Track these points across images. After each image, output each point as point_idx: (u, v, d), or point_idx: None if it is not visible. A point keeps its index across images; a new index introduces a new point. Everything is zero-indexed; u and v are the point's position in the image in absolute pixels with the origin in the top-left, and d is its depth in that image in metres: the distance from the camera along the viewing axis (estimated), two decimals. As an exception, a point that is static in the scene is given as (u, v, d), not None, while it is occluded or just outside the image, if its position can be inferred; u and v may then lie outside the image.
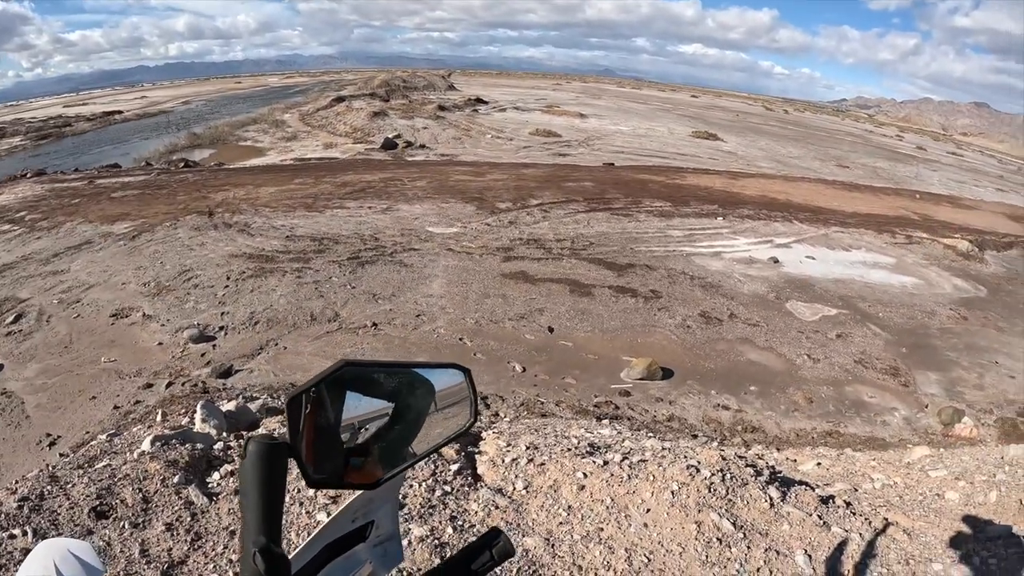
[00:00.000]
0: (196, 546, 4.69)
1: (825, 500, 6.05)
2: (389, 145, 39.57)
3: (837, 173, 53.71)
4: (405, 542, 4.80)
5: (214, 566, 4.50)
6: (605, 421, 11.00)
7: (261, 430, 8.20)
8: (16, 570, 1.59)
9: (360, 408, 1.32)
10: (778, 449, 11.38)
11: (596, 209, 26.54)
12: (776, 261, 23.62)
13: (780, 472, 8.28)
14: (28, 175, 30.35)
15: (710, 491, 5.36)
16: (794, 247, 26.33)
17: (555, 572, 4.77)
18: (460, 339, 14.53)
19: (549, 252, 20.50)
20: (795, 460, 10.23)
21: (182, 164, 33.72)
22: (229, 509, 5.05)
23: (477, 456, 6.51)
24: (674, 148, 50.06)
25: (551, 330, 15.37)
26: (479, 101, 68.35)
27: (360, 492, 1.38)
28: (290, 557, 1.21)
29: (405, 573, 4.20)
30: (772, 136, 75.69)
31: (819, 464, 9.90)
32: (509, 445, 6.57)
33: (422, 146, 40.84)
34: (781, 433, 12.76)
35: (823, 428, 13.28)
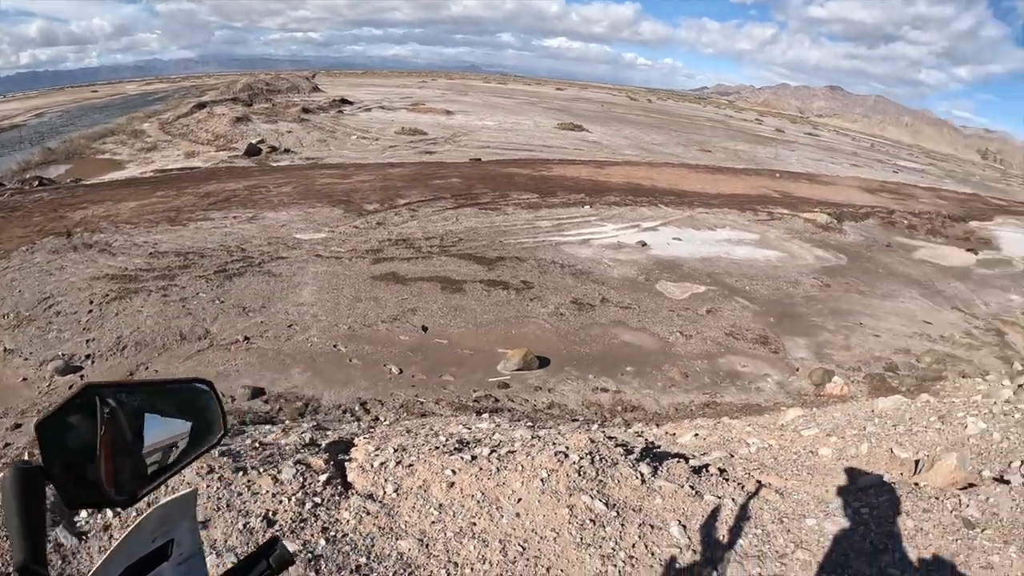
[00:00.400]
0: (70, 589, 4.33)
1: (698, 470, 6.10)
2: (253, 151, 38.37)
3: (700, 157, 55.33)
4: None
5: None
6: (485, 415, 10.90)
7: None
8: None
9: (161, 430, 1.35)
10: (658, 425, 11.48)
11: (464, 205, 26.37)
12: (644, 244, 24.10)
13: (659, 447, 8.32)
14: None
15: (580, 474, 5.33)
16: (661, 230, 26.97)
17: (431, 572, 4.64)
18: (334, 346, 14.07)
19: (419, 251, 20.21)
20: (674, 434, 10.35)
21: (36, 182, 31.42)
22: (100, 547, 4.67)
23: (347, 463, 6.26)
24: (540, 141, 50.52)
25: (425, 329, 15.11)
26: (344, 102, 67.03)
27: (151, 509, 1.36)
28: None
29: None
30: (636, 125, 77.59)
31: (697, 435, 10.02)
32: (378, 449, 6.36)
33: (287, 150, 39.77)
34: (660, 409, 12.91)
35: (700, 400, 13.53)
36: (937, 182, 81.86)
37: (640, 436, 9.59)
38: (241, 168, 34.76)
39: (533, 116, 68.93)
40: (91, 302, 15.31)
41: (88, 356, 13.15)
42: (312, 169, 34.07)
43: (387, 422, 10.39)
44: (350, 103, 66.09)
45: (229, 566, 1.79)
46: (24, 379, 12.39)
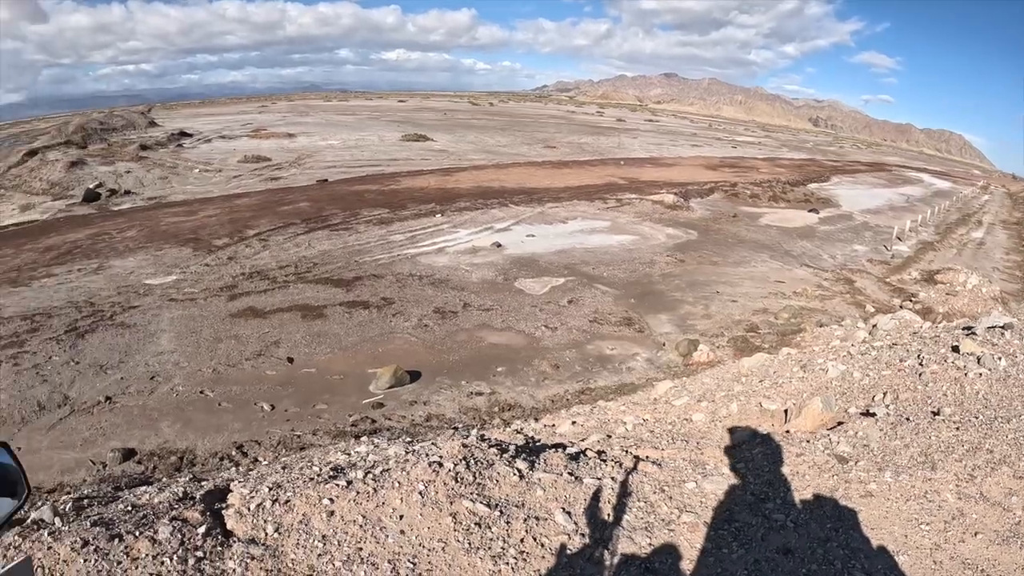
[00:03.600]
0: None
1: (575, 456, 6.11)
2: (91, 197, 36.21)
3: (545, 154, 56.16)
4: None
5: None
6: (364, 438, 10.67)
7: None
8: None
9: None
10: (536, 419, 11.55)
11: (315, 228, 25.93)
12: (499, 245, 24.36)
13: (539, 441, 8.31)
14: None
15: (457, 481, 5.27)
16: (514, 229, 27.38)
17: (324, 605, 4.41)
18: (201, 392, 13.36)
19: (274, 281, 19.63)
20: (553, 425, 10.42)
21: None
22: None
23: (224, 511, 5.94)
24: (386, 155, 50.04)
25: (291, 361, 14.66)
26: (183, 134, 64.00)
27: None
28: None
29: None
30: (480, 129, 78.11)
31: (574, 422, 10.10)
32: (253, 491, 6.07)
33: (127, 192, 37.72)
34: (536, 403, 12.98)
35: (575, 388, 13.71)
36: (774, 152, 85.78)
37: (520, 433, 9.59)
38: (81, 216, 32.80)
39: (377, 131, 68.13)
40: (-66, 381, 14.06)
41: (-59, 439, 12.07)
42: (156, 209, 32.53)
43: (266, 462, 9.98)
44: (189, 135, 63.41)
45: None
46: None
